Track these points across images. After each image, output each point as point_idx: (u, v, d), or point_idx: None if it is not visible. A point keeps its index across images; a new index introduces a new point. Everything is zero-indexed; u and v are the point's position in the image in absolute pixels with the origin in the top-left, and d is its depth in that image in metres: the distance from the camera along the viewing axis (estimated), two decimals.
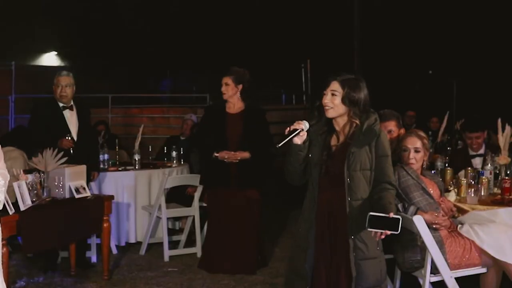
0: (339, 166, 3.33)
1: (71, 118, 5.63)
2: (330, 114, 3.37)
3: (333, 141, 3.41)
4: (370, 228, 3.13)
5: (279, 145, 3.26)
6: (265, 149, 5.35)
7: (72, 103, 5.66)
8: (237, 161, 5.33)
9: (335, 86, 3.35)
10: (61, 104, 5.60)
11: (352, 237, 3.30)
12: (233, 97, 5.42)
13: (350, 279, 3.33)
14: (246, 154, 5.33)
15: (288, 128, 3.29)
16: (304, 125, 3.30)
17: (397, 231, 3.10)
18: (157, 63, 19.28)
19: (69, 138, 5.47)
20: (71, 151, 5.36)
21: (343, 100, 3.33)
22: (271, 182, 5.72)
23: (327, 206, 3.37)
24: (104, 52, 17.77)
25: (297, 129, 3.28)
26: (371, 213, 3.13)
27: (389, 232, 3.12)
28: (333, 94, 3.34)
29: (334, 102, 3.34)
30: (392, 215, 3.12)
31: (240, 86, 5.39)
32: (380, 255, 3.42)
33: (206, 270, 5.46)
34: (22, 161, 5.56)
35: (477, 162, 5.55)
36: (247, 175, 5.34)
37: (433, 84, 19.44)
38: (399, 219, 3.10)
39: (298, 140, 3.32)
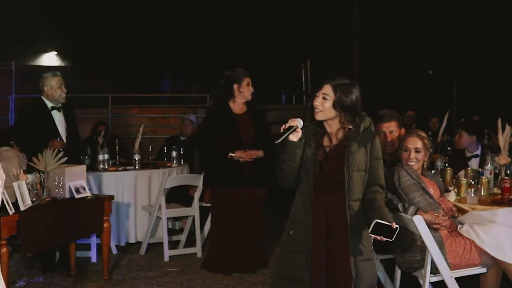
0: (335, 166, 3.32)
1: (58, 119, 5.63)
2: (318, 116, 3.34)
3: (326, 143, 3.39)
4: (372, 233, 3.16)
5: (278, 141, 3.27)
6: (273, 147, 5.37)
7: (60, 104, 5.65)
8: (252, 160, 5.35)
9: (327, 90, 3.32)
10: (50, 105, 5.59)
11: (351, 238, 3.30)
12: (249, 97, 5.45)
13: (348, 281, 3.31)
14: (260, 153, 5.37)
15: (284, 126, 3.29)
16: (299, 122, 3.31)
17: (392, 239, 3.16)
18: (157, 63, 19.30)
19: (60, 139, 5.46)
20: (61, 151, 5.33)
21: (334, 105, 3.31)
22: (272, 181, 5.72)
23: (323, 207, 3.35)
24: (104, 52, 17.78)
25: (292, 126, 3.28)
26: (378, 221, 3.15)
27: (384, 239, 3.17)
28: (324, 98, 3.32)
29: (324, 106, 3.32)
30: (394, 225, 3.16)
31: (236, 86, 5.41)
32: (373, 257, 3.45)
33: (212, 271, 5.43)
34: (17, 161, 5.54)
35: (473, 163, 5.56)
36: (259, 174, 5.36)
37: (433, 84, 19.46)
38: (397, 228, 3.16)
39: (293, 138, 3.31)
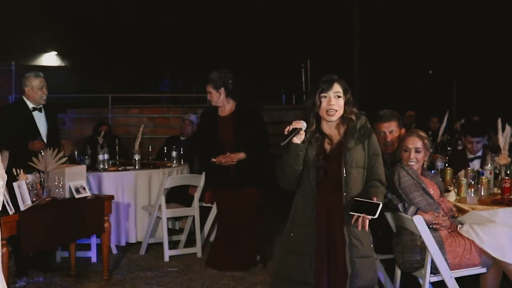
0: (335, 165, 3.35)
1: (40, 120, 5.58)
2: (336, 116, 3.39)
3: (327, 145, 3.41)
4: (351, 211, 3.22)
5: (283, 143, 3.29)
6: (259, 147, 5.38)
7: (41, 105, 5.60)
8: (235, 163, 5.35)
9: (338, 87, 3.39)
10: (31, 106, 5.54)
11: (348, 233, 3.31)
12: (219, 102, 5.44)
13: (345, 278, 3.33)
14: (241, 155, 5.36)
15: (288, 127, 3.30)
16: (303, 124, 3.32)
17: (375, 215, 3.18)
18: (157, 63, 19.27)
19: (40, 140, 5.43)
20: (42, 153, 5.30)
21: (347, 101, 3.39)
22: (270, 181, 5.72)
23: (325, 207, 3.36)
24: (104, 52, 17.76)
25: (296, 128, 3.28)
26: (356, 198, 3.24)
27: (369, 217, 3.19)
28: (338, 96, 3.38)
29: (339, 104, 3.38)
30: (375, 199, 3.21)
31: (222, 90, 5.40)
32: (373, 255, 3.47)
33: (214, 268, 5.47)
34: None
35: (475, 164, 5.56)
36: (245, 175, 5.37)
37: (433, 84, 19.44)
38: (379, 204, 3.18)
39: (297, 140, 3.32)
